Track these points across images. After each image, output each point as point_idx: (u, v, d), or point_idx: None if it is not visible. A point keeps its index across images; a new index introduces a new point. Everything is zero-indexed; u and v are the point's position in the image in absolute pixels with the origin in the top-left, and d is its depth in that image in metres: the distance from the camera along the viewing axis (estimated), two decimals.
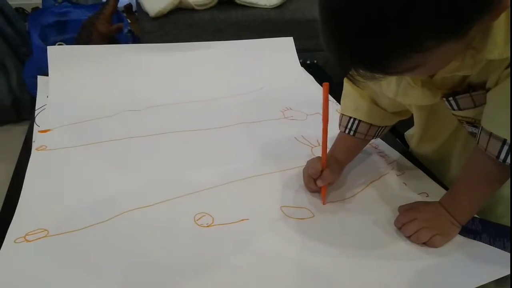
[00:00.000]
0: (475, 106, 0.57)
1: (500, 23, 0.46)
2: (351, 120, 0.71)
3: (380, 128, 0.72)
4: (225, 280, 0.54)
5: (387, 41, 0.39)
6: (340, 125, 0.74)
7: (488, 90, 0.54)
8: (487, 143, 0.54)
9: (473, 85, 0.56)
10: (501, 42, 0.47)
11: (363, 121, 0.71)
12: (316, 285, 0.54)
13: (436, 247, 0.60)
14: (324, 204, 0.68)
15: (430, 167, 0.78)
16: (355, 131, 0.72)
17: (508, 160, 0.53)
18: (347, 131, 0.72)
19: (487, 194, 0.61)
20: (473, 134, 0.62)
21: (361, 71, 0.44)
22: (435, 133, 0.74)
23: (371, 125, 0.71)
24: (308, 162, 0.72)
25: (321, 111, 0.94)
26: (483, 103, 0.56)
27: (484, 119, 0.55)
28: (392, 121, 0.73)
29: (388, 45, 0.39)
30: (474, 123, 0.60)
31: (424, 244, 0.60)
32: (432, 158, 0.78)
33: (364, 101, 0.70)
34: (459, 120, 0.63)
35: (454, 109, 0.59)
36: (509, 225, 0.62)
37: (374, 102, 0.70)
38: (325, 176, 0.67)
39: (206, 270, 0.55)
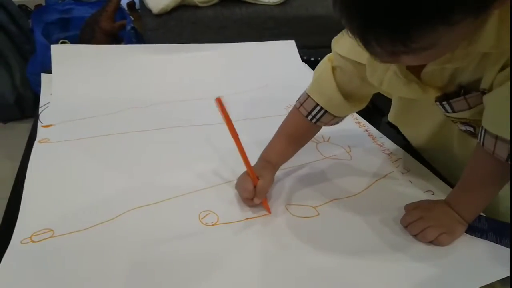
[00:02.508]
0: (470, 108, 0.57)
1: (494, 17, 0.46)
2: (317, 108, 0.68)
3: (340, 118, 0.71)
4: (230, 279, 0.54)
5: (420, 9, 0.38)
6: (300, 103, 0.70)
7: (483, 91, 0.54)
8: (494, 146, 0.54)
9: (464, 86, 0.55)
10: (493, 35, 0.47)
11: (329, 113, 0.68)
12: (322, 283, 0.54)
13: (443, 245, 0.59)
14: (270, 213, 0.65)
15: (432, 160, 0.77)
16: (318, 120, 0.69)
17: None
18: (309, 117, 0.69)
19: (493, 193, 0.60)
20: (467, 132, 0.62)
21: (380, 42, 0.42)
22: (414, 118, 0.72)
23: (334, 116, 0.69)
24: (238, 180, 0.68)
25: None
26: (479, 103, 0.55)
27: (487, 122, 0.54)
28: (350, 111, 0.71)
29: (420, 13, 0.38)
30: (469, 122, 0.60)
31: (431, 243, 0.60)
32: (431, 150, 0.77)
33: (338, 94, 0.67)
34: (452, 120, 0.62)
35: (448, 112, 0.59)
36: None
37: (343, 93, 0.67)
38: (260, 190, 0.64)
39: (211, 269, 0.55)
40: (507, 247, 0.59)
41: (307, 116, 0.69)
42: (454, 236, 0.60)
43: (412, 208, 0.64)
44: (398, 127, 0.77)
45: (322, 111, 0.68)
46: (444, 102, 0.58)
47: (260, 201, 0.65)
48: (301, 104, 0.70)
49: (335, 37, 0.66)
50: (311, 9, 1.76)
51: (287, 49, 1.24)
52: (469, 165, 0.61)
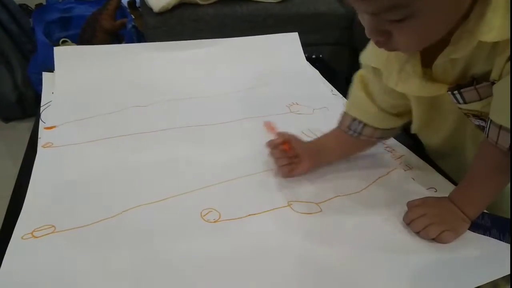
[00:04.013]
0: (481, 99, 0.56)
1: (498, 4, 0.46)
2: (356, 121, 0.71)
3: (385, 131, 0.72)
4: (233, 276, 0.54)
5: None
6: (341, 123, 0.73)
7: (493, 82, 0.54)
8: (498, 136, 0.54)
9: (477, 78, 0.55)
10: (497, 25, 0.47)
11: (369, 125, 0.70)
12: (324, 279, 0.54)
13: (446, 243, 0.59)
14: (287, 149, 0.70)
15: (444, 165, 0.76)
16: (359, 133, 0.71)
17: None
18: (350, 132, 0.72)
19: (497, 188, 0.60)
20: (480, 127, 0.61)
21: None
22: (435, 127, 0.71)
23: (375, 128, 0.71)
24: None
25: (328, 105, 0.95)
26: (489, 95, 0.55)
27: (492, 112, 0.54)
28: (395, 123, 0.72)
29: None
30: (481, 116, 0.59)
31: (433, 240, 0.59)
32: (444, 154, 0.76)
33: (373, 104, 0.70)
34: (465, 114, 0.62)
35: (459, 103, 0.59)
36: None
37: (379, 107, 0.70)
38: (284, 134, 0.71)
39: (214, 266, 0.55)
40: (508, 243, 0.59)
41: (348, 132, 0.72)
42: (457, 234, 0.60)
43: (415, 205, 0.64)
44: (420, 137, 0.77)
45: (361, 124, 0.71)
46: (456, 92, 0.57)
47: (279, 141, 0.70)
48: (341, 123, 0.73)
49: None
50: (312, 6, 1.75)
51: (290, 41, 1.22)
52: (474, 160, 0.61)
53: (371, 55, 0.65)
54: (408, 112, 0.70)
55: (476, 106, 0.58)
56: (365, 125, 0.70)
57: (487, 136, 0.56)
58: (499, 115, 0.53)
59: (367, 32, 0.51)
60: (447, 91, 0.58)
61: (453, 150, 0.71)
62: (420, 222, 0.60)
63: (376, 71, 0.65)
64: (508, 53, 0.50)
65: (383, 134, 0.73)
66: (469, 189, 0.61)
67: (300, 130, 0.85)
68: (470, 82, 0.56)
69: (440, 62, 0.55)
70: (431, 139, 0.75)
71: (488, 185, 0.60)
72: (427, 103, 0.65)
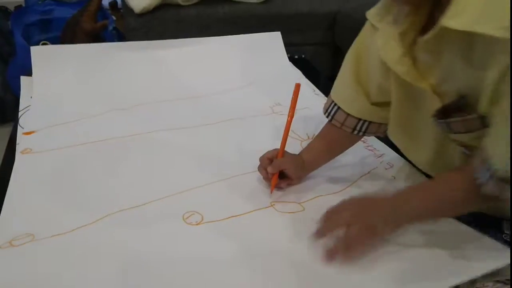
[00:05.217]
0: (467, 132, 0.52)
1: None
2: (332, 104, 0.70)
3: (359, 121, 0.68)
4: (216, 277, 0.53)
5: None
6: (324, 106, 0.72)
7: (481, 116, 0.49)
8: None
9: (464, 98, 0.50)
10: (466, 10, 0.43)
11: (341, 109, 0.68)
12: (307, 278, 0.54)
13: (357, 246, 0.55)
14: (271, 192, 0.67)
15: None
16: (332, 117, 0.69)
17: (485, 189, 0.48)
18: (326, 113, 0.71)
19: (443, 214, 0.56)
20: (466, 155, 0.56)
21: None
22: (413, 135, 0.64)
23: (348, 115, 0.68)
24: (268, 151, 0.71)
25: (310, 106, 0.95)
26: (477, 128, 0.50)
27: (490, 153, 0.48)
28: (372, 115, 0.67)
29: None
30: (468, 147, 0.55)
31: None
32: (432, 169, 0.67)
33: (351, 90, 0.67)
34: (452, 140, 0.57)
35: (447, 132, 0.54)
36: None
37: (365, 95, 0.67)
38: (275, 163, 0.67)
39: (197, 268, 0.55)
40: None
41: (325, 113, 0.71)
42: (376, 234, 0.55)
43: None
44: (396, 143, 0.70)
45: (336, 107, 0.69)
46: (442, 121, 0.53)
47: (271, 171, 0.66)
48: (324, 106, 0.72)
49: None
50: (294, 6, 1.76)
51: (273, 41, 1.22)
52: (437, 176, 0.57)
53: (376, 13, 0.61)
54: (386, 103, 0.65)
55: (463, 138, 0.54)
56: (338, 108, 0.68)
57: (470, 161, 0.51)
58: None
59: None
60: (433, 116, 0.54)
61: (442, 167, 0.62)
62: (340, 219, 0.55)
63: (374, 30, 0.61)
64: (506, 70, 0.42)
65: (355, 125, 0.68)
66: (420, 202, 0.55)
67: (282, 131, 0.86)
68: (457, 107, 0.51)
69: (429, 38, 0.50)
70: (410, 149, 0.68)
71: (436, 210, 0.55)
72: (405, 99, 0.61)
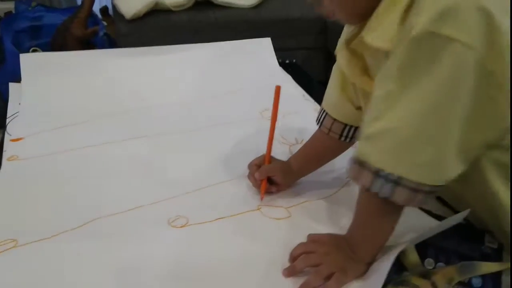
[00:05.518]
0: None
1: (393, 4, 0.45)
2: (322, 110, 0.70)
3: (346, 127, 0.67)
4: (201, 279, 0.53)
5: None
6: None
7: None
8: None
9: None
10: (383, 27, 0.46)
11: (329, 114, 0.68)
12: (293, 283, 0.53)
13: None
14: (261, 199, 0.67)
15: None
16: (321, 123, 0.70)
17: (391, 196, 0.47)
18: (316, 120, 0.71)
19: (382, 230, 0.53)
20: None
21: None
22: None
23: (334, 120, 0.67)
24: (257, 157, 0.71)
25: (299, 110, 0.95)
26: None
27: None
28: (357, 120, 0.65)
29: None
30: None
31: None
32: None
33: (336, 94, 0.67)
34: None
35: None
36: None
37: (350, 100, 0.66)
38: (263, 169, 0.67)
39: (182, 271, 0.55)
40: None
41: (316, 120, 0.71)
42: (347, 276, 0.53)
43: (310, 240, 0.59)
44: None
45: (324, 113, 0.68)
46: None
47: (259, 178, 0.67)
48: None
49: None
50: (286, 12, 1.77)
51: (263, 47, 1.23)
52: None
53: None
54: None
55: None
56: (326, 114, 0.68)
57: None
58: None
59: None
60: None
61: None
62: (307, 259, 0.54)
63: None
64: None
65: (342, 131, 0.67)
66: (354, 229, 0.56)
67: None
68: None
69: (354, 45, 0.54)
70: None
71: (370, 228, 0.54)
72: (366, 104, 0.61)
